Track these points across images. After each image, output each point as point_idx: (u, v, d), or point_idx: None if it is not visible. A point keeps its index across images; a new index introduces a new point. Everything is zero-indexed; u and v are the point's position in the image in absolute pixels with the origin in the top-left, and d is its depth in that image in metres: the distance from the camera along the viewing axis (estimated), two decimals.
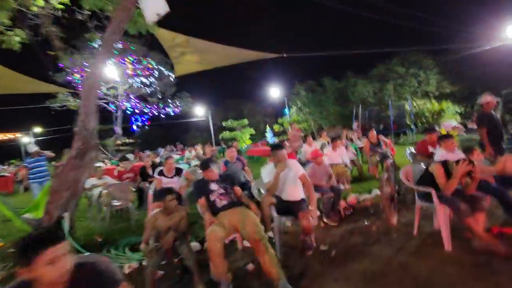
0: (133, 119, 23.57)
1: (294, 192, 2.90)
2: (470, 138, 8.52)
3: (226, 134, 25.50)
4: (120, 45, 17.41)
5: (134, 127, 27.25)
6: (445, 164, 2.77)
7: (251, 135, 25.88)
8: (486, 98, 4.64)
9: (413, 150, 5.50)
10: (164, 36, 7.37)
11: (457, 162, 2.65)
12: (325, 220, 3.67)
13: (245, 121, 26.30)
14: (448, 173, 2.70)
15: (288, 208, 2.85)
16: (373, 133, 6.70)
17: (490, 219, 3.11)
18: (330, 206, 3.66)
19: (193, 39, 7.87)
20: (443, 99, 20.82)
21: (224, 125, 25.63)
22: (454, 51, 19.57)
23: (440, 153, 3.48)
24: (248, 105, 34.34)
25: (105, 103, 17.35)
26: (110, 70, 16.09)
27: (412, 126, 17.31)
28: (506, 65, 19.45)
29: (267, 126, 26.05)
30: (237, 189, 2.91)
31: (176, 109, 21.37)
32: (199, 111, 31.31)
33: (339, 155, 5.75)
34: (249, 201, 2.87)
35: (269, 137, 24.34)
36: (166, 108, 20.21)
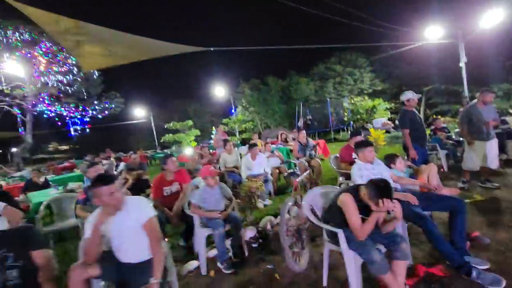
0: (70, 122, 20.07)
1: (135, 250, 1.78)
2: (398, 135, 8.43)
3: (169, 137, 23.49)
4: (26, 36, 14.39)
5: (72, 131, 23.41)
6: (357, 191, 1.93)
7: (196, 136, 24.29)
8: (407, 95, 4.11)
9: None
10: (40, 17, 5.61)
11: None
12: (219, 265, 2.64)
13: (190, 122, 24.56)
14: (363, 207, 1.85)
15: (124, 279, 1.74)
16: (302, 133, 5.94)
17: (415, 252, 2.43)
18: (223, 245, 2.63)
19: (86, 24, 6.22)
20: (376, 96, 21.88)
21: (166, 127, 23.59)
22: (384, 50, 20.53)
23: (356, 168, 2.69)
24: (194, 105, 32.41)
25: (5, 105, 14.14)
26: (11, 66, 13.13)
27: (350, 123, 17.69)
28: (426, 63, 21.14)
29: (213, 127, 24.63)
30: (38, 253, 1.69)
31: (105, 112, 18.61)
32: (140, 113, 28.51)
33: (259, 165, 4.82)
34: None
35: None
36: (89, 111, 17.40)
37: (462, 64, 13.87)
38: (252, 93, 25.50)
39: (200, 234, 2.69)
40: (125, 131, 34.75)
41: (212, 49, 9.12)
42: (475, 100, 4.10)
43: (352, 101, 18.70)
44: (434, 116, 12.13)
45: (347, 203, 1.86)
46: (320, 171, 5.35)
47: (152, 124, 27.57)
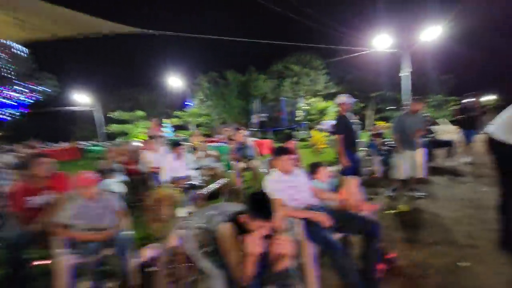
0: None
1: None
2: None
3: (113, 127, 21.43)
4: None
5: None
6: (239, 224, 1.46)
7: (148, 128, 22.63)
8: (341, 99, 3.86)
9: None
10: None
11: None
12: None
13: (140, 113, 22.76)
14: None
15: None
16: (240, 132, 5.44)
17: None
18: (98, 277, 2.02)
19: None
20: (330, 98, 22.59)
21: (111, 116, 21.49)
22: (338, 54, 21.19)
23: (270, 181, 2.26)
24: (147, 94, 30.20)
25: None
26: None
27: (303, 123, 17.89)
28: (376, 70, 22.39)
29: (166, 119, 23.12)
30: None
31: (34, 95, 16.10)
32: (83, 99, 25.58)
33: (184, 166, 4.21)
34: None
35: (168, 131, 21.63)
36: (9, 93, 14.88)
37: (402, 73, 14.75)
38: (210, 86, 24.52)
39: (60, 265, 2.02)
40: (67, 118, 31.16)
41: (156, 33, 8.18)
42: (406, 109, 4.01)
43: (308, 102, 18.96)
44: (375, 122, 12.72)
45: (223, 236, 1.38)
46: (257, 175, 4.93)
47: (95, 112, 24.94)
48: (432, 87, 22.45)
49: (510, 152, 2.00)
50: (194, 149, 5.89)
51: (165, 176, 4.07)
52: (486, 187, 4.19)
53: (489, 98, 27.37)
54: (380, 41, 14.47)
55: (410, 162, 3.89)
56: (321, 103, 17.44)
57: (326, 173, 2.71)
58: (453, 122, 8.98)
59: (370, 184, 4.92)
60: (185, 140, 9.30)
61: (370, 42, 14.81)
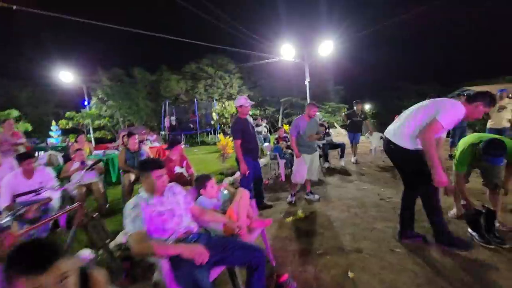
0: None
1: None
2: None
3: None
4: None
5: None
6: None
7: (27, 132, 17.95)
8: (240, 101, 3.58)
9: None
10: None
11: None
12: None
13: (14, 113, 17.98)
14: None
15: None
16: (134, 138, 4.56)
17: None
18: None
19: None
20: None
21: None
22: (251, 60, 21.79)
23: (130, 206, 1.68)
24: (27, 90, 24.19)
25: None
26: None
27: (217, 126, 17.55)
28: (286, 78, 24.09)
29: (53, 121, 18.85)
30: None
31: None
32: None
33: (37, 185, 3.11)
34: None
35: (54, 135, 17.66)
36: None
37: (306, 82, 16.23)
38: (113, 84, 21.42)
39: None
40: None
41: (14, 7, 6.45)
42: (302, 113, 4.04)
43: (223, 105, 18.71)
44: (284, 126, 13.50)
45: None
46: None
47: None
48: (328, 95, 25.74)
49: (404, 154, 2.23)
50: (69, 159, 4.64)
51: (5, 199, 2.91)
52: (367, 185, 4.65)
53: (369, 106, 33.44)
54: (286, 51, 15.53)
55: (307, 166, 3.91)
56: (233, 107, 17.45)
57: (215, 187, 2.29)
58: (343, 126, 10.21)
59: (274, 189, 4.85)
60: (64, 148, 7.52)
61: (279, 52, 15.76)
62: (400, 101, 25.24)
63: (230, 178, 5.48)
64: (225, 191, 2.44)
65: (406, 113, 2.39)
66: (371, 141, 7.28)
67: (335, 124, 18.27)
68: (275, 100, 25.50)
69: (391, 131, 2.40)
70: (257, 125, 10.66)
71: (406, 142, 2.24)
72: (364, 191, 4.29)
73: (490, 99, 2.21)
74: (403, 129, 2.27)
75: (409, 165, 2.33)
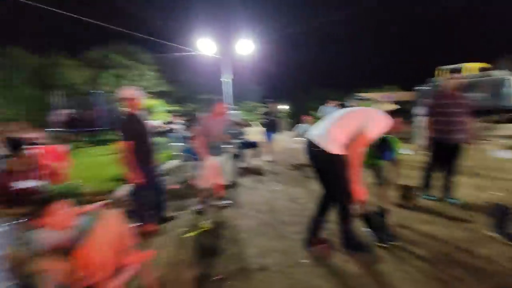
0: None
1: None
2: (158, 142, 7.45)
3: None
4: None
5: None
6: None
7: None
8: (128, 92, 2.84)
9: None
10: None
11: None
12: None
13: None
14: None
15: None
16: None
17: None
18: None
19: None
20: (162, 97, 21.08)
21: None
22: (168, 52, 20.11)
23: None
24: None
25: None
26: None
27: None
28: (207, 74, 23.27)
29: None
30: None
31: None
32: None
33: None
34: None
35: None
36: None
37: (223, 79, 15.91)
38: None
39: None
40: None
41: None
42: (209, 111, 3.58)
43: None
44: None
45: None
46: None
47: None
48: (248, 94, 26.28)
49: (330, 159, 2.09)
50: None
51: None
52: (279, 185, 4.56)
53: (284, 106, 35.91)
54: (207, 47, 14.82)
55: (216, 168, 3.47)
56: (148, 101, 15.66)
57: (66, 213, 1.57)
58: (259, 125, 10.27)
59: (184, 196, 4.22)
60: None
61: (197, 46, 14.90)
62: (308, 102, 27.86)
63: (115, 194, 4.21)
64: (91, 217, 1.73)
65: (333, 117, 2.26)
66: (284, 140, 7.44)
67: (253, 122, 18.69)
68: (194, 96, 24.38)
69: (316, 134, 2.23)
70: (170, 123, 9.70)
71: (333, 146, 2.10)
72: (276, 193, 4.14)
73: (410, 118, 2.32)
74: (331, 133, 2.14)
75: (332, 170, 2.17)
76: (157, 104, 15.24)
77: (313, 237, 2.36)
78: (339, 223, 2.26)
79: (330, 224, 2.42)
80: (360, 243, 2.27)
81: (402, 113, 2.32)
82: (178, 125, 10.17)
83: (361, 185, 2.07)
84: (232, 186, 4.49)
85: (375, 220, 2.52)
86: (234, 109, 12.47)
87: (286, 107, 31.12)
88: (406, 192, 3.35)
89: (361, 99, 13.44)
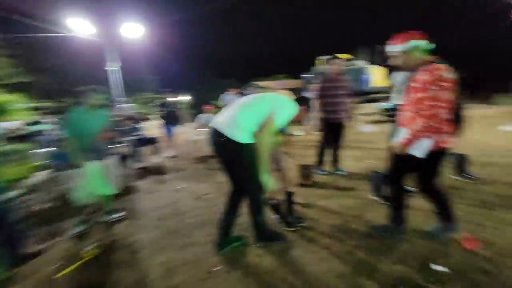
0: None
1: None
2: (17, 149, 5.58)
3: None
4: None
5: None
6: None
7: None
8: None
9: None
10: None
11: None
12: None
13: None
14: None
15: None
16: None
17: None
18: None
19: None
20: (20, 90, 16.07)
21: None
22: (30, 33, 15.36)
23: None
24: None
25: None
26: None
27: None
28: (85, 61, 19.22)
29: None
30: None
31: None
32: None
33: None
34: None
35: None
36: None
37: (108, 68, 13.58)
38: None
39: None
40: None
41: None
42: (83, 103, 2.76)
43: None
44: None
45: None
46: None
47: None
48: (142, 85, 23.54)
49: (237, 148, 1.90)
50: None
51: None
52: (184, 183, 4.12)
53: (185, 97, 34.25)
54: (81, 27, 12.02)
55: (96, 177, 2.74)
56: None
57: None
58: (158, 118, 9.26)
59: (51, 219, 3.17)
60: None
61: (69, 26, 11.89)
62: (209, 92, 27.49)
63: None
64: None
65: (238, 104, 2.03)
66: (185, 133, 6.90)
67: (151, 116, 16.78)
68: (69, 88, 19.90)
69: (221, 123, 1.96)
70: (36, 123, 7.52)
71: (241, 134, 1.89)
72: (180, 193, 3.70)
73: (308, 104, 2.32)
74: (238, 121, 1.91)
75: (240, 160, 1.95)
76: (12, 99, 11.51)
77: (224, 237, 2.13)
78: (250, 215, 2.10)
79: (242, 217, 2.25)
80: (272, 233, 2.19)
81: (305, 100, 2.30)
82: (48, 125, 8.00)
83: (271, 173, 1.97)
84: (125, 193, 3.76)
85: (282, 205, 2.51)
86: (126, 102, 10.81)
87: (186, 97, 29.70)
88: (304, 171, 3.57)
89: (258, 87, 14.10)
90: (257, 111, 1.94)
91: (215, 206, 3.04)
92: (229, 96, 7.04)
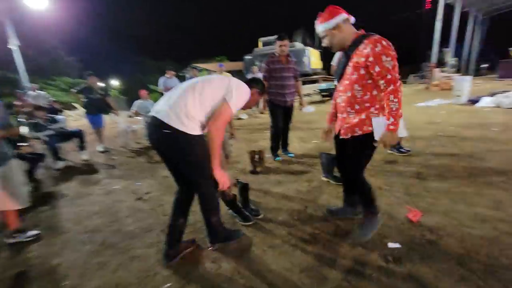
0: None
1: None
2: None
3: None
4: None
5: None
6: None
7: None
8: None
9: None
10: None
11: None
12: None
13: None
14: None
15: None
16: None
17: None
18: None
19: None
20: None
21: None
22: None
23: None
24: None
25: None
26: None
27: None
28: None
29: None
30: None
31: None
32: None
33: None
34: None
35: None
36: None
37: (11, 46, 10.98)
38: None
39: None
40: None
41: None
42: None
43: None
44: None
45: None
46: None
47: None
48: (59, 68, 19.88)
49: (186, 141, 1.56)
50: None
51: None
52: (119, 182, 3.55)
53: (116, 82, 30.44)
54: None
55: None
56: None
57: None
58: (82, 108, 7.89)
59: None
60: None
61: None
62: (144, 76, 25.00)
63: None
64: None
65: (182, 89, 1.64)
66: (118, 122, 6.02)
67: (73, 105, 14.28)
68: None
69: (165, 111, 1.56)
70: None
71: (187, 124, 1.54)
72: (115, 194, 3.16)
73: (263, 87, 2.02)
74: (183, 108, 1.55)
75: (187, 155, 1.60)
76: None
77: (175, 245, 1.82)
78: (203, 216, 1.83)
79: (192, 219, 1.96)
80: (228, 232, 1.97)
81: (258, 82, 2.04)
82: None
83: (221, 173, 1.70)
84: (41, 203, 3.04)
85: (236, 199, 2.30)
86: (36, 89, 8.93)
87: (116, 82, 26.39)
88: (254, 157, 3.41)
89: (199, 69, 13.28)
90: (208, 97, 1.62)
91: (160, 207, 2.66)
92: (170, 79, 6.34)
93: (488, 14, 17.82)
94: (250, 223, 2.17)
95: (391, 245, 1.77)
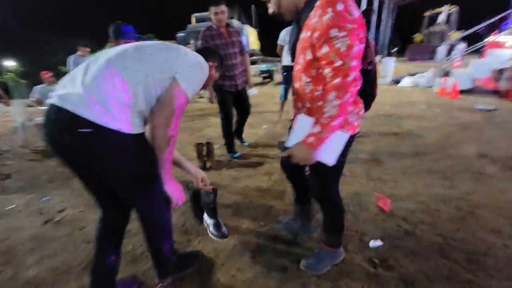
0: None
1: None
2: None
3: None
4: None
5: None
6: None
7: None
8: None
9: None
10: None
11: None
12: None
13: None
14: None
15: None
16: None
17: None
18: None
19: None
20: None
21: None
22: None
23: None
24: None
25: None
26: None
27: None
28: None
29: None
30: None
31: None
32: None
33: None
34: None
35: None
36: None
37: None
38: None
39: None
40: None
41: None
42: None
43: None
44: None
45: None
46: None
47: None
48: None
49: (115, 143, 0.93)
50: None
51: None
52: (19, 197, 2.58)
53: (13, 63, 24.40)
54: None
55: None
56: None
57: None
58: None
59: None
60: None
61: None
62: (53, 56, 20.64)
63: None
64: None
65: (104, 65, 0.96)
66: (12, 115, 4.55)
67: None
68: None
69: (75, 97, 0.91)
70: None
71: (119, 119, 0.93)
72: (10, 218, 2.25)
73: (220, 59, 1.41)
74: (110, 95, 0.93)
75: (123, 165, 1.00)
76: None
77: None
78: (149, 245, 1.29)
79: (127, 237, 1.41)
80: (183, 259, 1.49)
81: (214, 53, 1.45)
82: None
83: (175, 185, 1.18)
84: None
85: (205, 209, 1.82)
86: None
87: (11, 63, 21.00)
88: (203, 151, 2.90)
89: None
90: (147, 76, 1.00)
91: (80, 231, 1.96)
92: (82, 58, 5.02)
93: (397, 3, 20.14)
94: (225, 239, 1.72)
95: (372, 244, 1.58)
